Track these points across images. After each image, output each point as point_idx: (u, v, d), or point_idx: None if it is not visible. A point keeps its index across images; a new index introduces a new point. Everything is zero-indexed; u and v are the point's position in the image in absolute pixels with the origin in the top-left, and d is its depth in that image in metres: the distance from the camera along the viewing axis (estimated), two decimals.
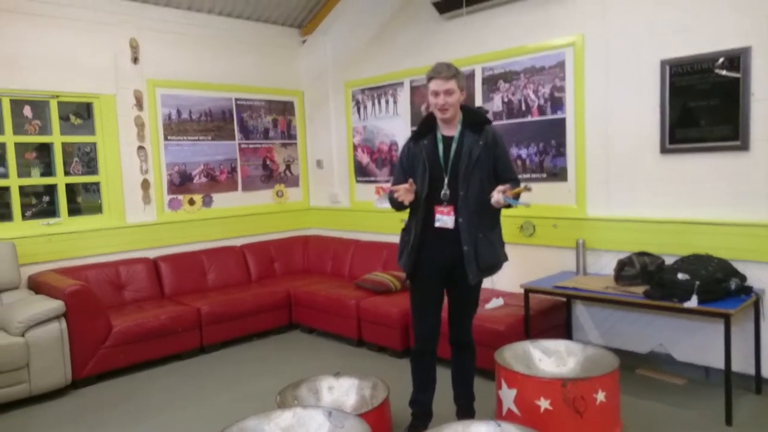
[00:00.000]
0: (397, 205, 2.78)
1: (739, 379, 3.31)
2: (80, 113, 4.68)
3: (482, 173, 2.67)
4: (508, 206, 2.59)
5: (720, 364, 3.21)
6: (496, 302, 3.94)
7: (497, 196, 2.53)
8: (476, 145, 2.67)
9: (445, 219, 2.68)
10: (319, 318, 4.75)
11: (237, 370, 4.08)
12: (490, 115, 3.13)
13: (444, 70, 2.63)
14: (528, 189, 2.53)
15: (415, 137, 2.80)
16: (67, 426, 3.28)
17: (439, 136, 2.76)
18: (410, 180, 2.67)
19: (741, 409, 3.09)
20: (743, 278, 3.16)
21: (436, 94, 2.66)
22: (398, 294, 4.48)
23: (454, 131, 2.75)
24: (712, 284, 3.01)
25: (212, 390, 3.73)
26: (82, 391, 3.79)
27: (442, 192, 2.69)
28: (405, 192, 2.62)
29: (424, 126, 2.80)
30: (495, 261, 2.75)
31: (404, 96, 5.09)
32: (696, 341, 3.52)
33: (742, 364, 3.33)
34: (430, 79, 2.67)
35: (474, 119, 2.75)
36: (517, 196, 2.52)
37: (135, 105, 4.85)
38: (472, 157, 2.66)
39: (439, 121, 2.76)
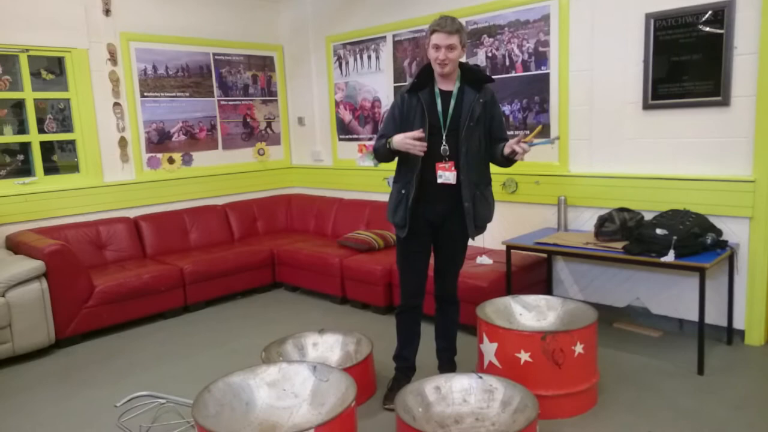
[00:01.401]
0: (386, 157, 2.73)
1: (712, 330, 3.43)
2: (52, 68, 4.53)
3: (480, 131, 2.67)
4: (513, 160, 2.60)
5: (694, 316, 3.31)
6: (484, 259, 3.98)
7: (520, 147, 2.51)
8: (477, 102, 2.65)
9: (447, 175, 2.66)
10: (303, 276, 4.77)
11: (221, 329, 4.11)
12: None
13: (448, 25, 2.56)
14: (541, 125, 2.52)
15: (413, 89, 2.71)
16: (53, 384, 3.30)
17: (437, 90, 2.71)
18: (421, 129, 2.59)
19: (712, 359, 3.21)
20: (719, 233, 3.23)
21: (437, 47, 2.59)
22: (381, 252, 4.50)
23: (452, 86, 2.70)
24: (689, 239, 3.07)
25: (197, 347, 3.76)
26: (67, 350, 3.80)
27: (442, 147, 2.66)
28: (415, 142, 2.54)
29: (421, 78, 2.71)
30: (487, 220, 2.78)
31: (387, 51, 4.99)
32: (671, 295, 3.61)
33: (715, 316, 3.44)
34: (432, 31, 2.60)
35: (474, 76, 2.70)
36: (538, 138, 2.52)
37: (109, 59, 4.70)
38: (473, 115, 2.63)
39: (437, 75, 2.71)
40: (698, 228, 3.13)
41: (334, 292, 4.54)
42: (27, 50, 4.30)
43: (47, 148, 4.54)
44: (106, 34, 4.67)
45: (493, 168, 2.81)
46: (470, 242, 2.88)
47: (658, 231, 3.10)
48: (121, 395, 3.07)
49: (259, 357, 2.97)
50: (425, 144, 2.57)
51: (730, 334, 3.42)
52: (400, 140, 2.59)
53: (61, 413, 2.94)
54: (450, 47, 2.58)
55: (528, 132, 2.56)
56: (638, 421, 2.62)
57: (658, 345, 3.47)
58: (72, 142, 4.64)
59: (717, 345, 3.40)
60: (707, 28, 3.29)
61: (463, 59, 3.01)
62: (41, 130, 4.46)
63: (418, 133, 2.57)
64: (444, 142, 2.67)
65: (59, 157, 4.64)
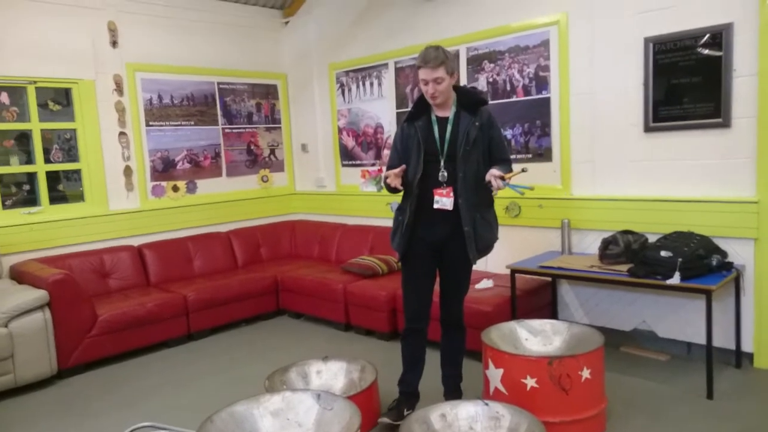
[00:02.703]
0: (392, 188, 2.78)
1: (720, 353, 3.38)
2: (59, 99, 4.59)
3: (478, 154, 2.68)
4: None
5: (701, 339, 3.27)
6: (486, 283, 3.96)
7: (496, 182, 2.51)
8: (473, 126, 2.67)
9: (444, 201, 2.68)
10: (307, 303, 4.75)
11: (225, 357, 4.08)
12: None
13: (431, 59, 2.58)
14: (524, 170, 2.52)
15: (410, 119, 2.79)
16: (56, 415, 3.27)
17: (433, 118, 2.75)
18: (402, 166, 2.67)
19: (722, 383, 3.16)
20: (724, 254, 3.21)
21: (425, 82, 2.64)
22: (385, 277, 4.49)
23: (448, 112, 2.74)
24: (694, 261, 3.05)
25: (201, 376, 3.73)
26: (69, 381, 3.77)
27: (440, 174, 2.68)
28: (394, 177, 2.63)
29: (418, 107, 2.78)
30: (492, 241, 2.78)
31: (389, 77, 5.05)
32: (678, 317, 3.58)
33: (723, 339, 3.40)
34: (419, 67, 2.65)
35: (469, 100, 2.74)
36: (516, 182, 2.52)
37: (115, 90, 4.77)
38: (469, 139, 2.65)
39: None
40: (703, 250, 3.11)
41: (338, 319, 4.51)
42: (34, 82, 4.37)
43: (53, 177, 4.58)
44: (113, 65, 4.75)
45: (498, 191, 2.81)
46: (474, 266, 2.87)
47: (663, 253, 3.09)
48: (123, 426, 3.03)
49: (262, 385, 2.94)
50: (400, 175, 2.63)
51: (739, 357, 3.37)
52: (388, 180, 2.66)
53: None
54: (437, 80, 2.61)
55: (513, 170, 2.58)
56: None
57: (666, 369, 3.42)
58: (77, 172, 4.68)
59: (726, 368, 3.35)
60: (706, 51, 3.32)
61: (462, 82, 3.05)
62: (47, 160, 4.51)
63: (398, 170, 2.64)
64: (442, 168, 2.68)
65: (65, 187, 4.68)
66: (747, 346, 3.37)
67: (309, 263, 5.28)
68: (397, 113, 5.01)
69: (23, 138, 4.45)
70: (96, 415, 3.24)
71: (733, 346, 3.38)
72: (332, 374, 3.10)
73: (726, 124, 3.30)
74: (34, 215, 4.40)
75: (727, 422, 2.75)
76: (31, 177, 4.48)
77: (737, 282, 3.30)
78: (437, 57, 2.58)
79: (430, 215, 2.72)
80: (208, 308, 4.50)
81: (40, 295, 3.62)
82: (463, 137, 2.66)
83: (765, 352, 3.32)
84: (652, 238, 3.41)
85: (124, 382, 3.71)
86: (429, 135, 2.72)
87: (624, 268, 3.29)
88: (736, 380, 3.21)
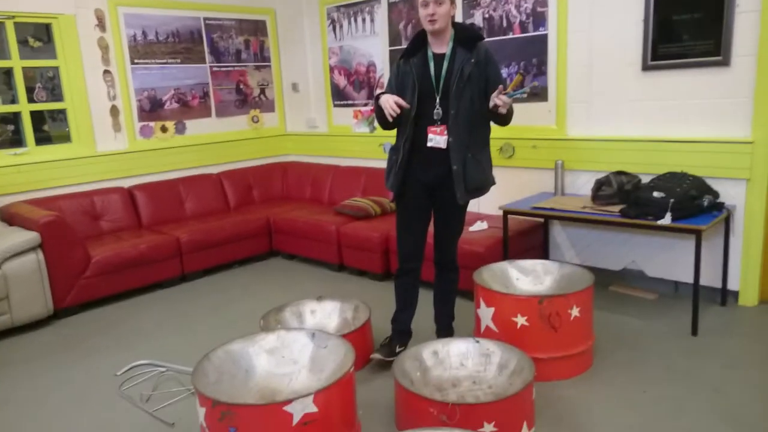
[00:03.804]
0: (384, 122, 2.72)
1: (707, 292, 3.46)
2: (39, 36, 4.42)
3: (473, 92, 2.61)
4: (504, 115, 2.53)
5: (689, 278, 3.33)
6: (480, 225, 3.98)
7: (498, 99, 2.44)
8: (468, 62, 2.60)
9: (437, 139, 2.64)
10: (300, 244, 4.77)
11: (219, 297, 4.12)
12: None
13: None
14: (522, 75, 2.45)
15: (405, 55, 2.72)
16: (53, 354, 3.32)
17: (429, 54, 2.68)
18: (405, 105, 2.58)
19: (707, 320, 3.24)
20: (716, 195, 3.22)
21: (425, 4, 2.56)
22: (378, 219, 4.49)
23: (445, 48, 2.66)
24: (686, 201, 3.06)
25: (196, 316, 3.78)
26: (65, 321, 3.81)
27: (435, 111, 2.63)
28: (392, 103, 2.52)
29: (415, 44, 2.70)
30: (483, 182, 2.73)
31: (382, 14, 4.88)
32: (667, 257, 3.63)
33: (710, 277, 3.46)
34: None
35: (466, 36, 2.66)
36: (516, 88, 2.45)
37: (97, 25, 4.59)
38: (463, 75, 2.59)
39: (430, 38, 2.68)
40: (695, 190, 3.11)
41: (331, 260, 4.54)
42: (13, 16, 4.19)
43: (38, 117, 4.46)
44: None
45: (492, 132, 2.78)
46: (469, 208, 2.86)
47: (655, 194, 3.09)
48: (121, 364, 3.10)
49: (257, 325, 2.99)
50: (396, 109, 2.52)
51: (725, 295, 3.45)
52: (384, 100, 2.55)
53: (61, 383, 2.97)
54: (437, 1, 2.55)
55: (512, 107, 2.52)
56: (633, 381, 2.66)
57: (654, 307, 3.50)
58: (63, 112, 4.56)
59: (711, 306, 3.43)
60: None
61: (458, 19, 2.95)
62: (31, 100, 4.38)
63: (403, 102, 2.54)
64: (438, 106, 2.63)
65: (50, 127, 4.58)
66: (733, 285, 3.44)
67: (301, 205, 5.27)
68: (390, 51, 4.87)
69: (5, 76, 4.31)
70: (93, 353, 3.29)
71: (719, 285, 3.45)
72: (326, 314, 3.15)
73: (725, 62, 3.23)
74: (20, 156, 4.32)
75: (710, 357, 2.84)
76: (16, 117, 4.37)
77: (727, 222, 3.33)
78: None
79: (424, 155, 2.69)
80: (202, 250, 4.51)
81: (31, 236, 3.61)
82: (457, 73, 2.59)
83: (750, 290, 3.39)
84: (645, 179, 3.40)
85: (120, 322, 3.76)
86: (425, 72, 2.66)
87: (616, 209, 3.30)
88: (721, 317, 3.29)
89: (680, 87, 3.43)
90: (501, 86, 2.46)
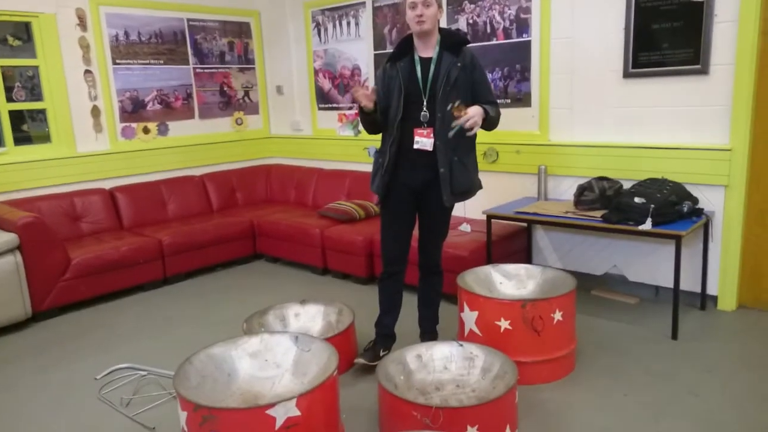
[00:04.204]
0: (368, 126, 2.74)
1: (687, 296, 3.51)
2: (19, 34, 4.35)
3: (459, 96, 2.63)
4: (488, 122, 2.59)
5: (669, 283, 3.37)
6: (465, 227, 4.00)
7: (467, 126, 2.49)
8: (454, 66, 2.62)
9: (424, 141, 2.66)
10: (284, 247, 4.75)
11: (202, 300, 4.09)
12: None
13: None
14: (459, 104, 2.49)
15: (392, 59, 2.73)
16: (32, 357, 3.26)
17: (416, 58, 2.70)
18: (373, 88, 2.62)
19: (686, 324, 3.29)
20: (696, 201, 3.27)
21: (413, 5, 2.59)
22: (362, 222, 4.49)
23: (431, 53, 2.68)
24: (666, 207, 3.10)
25: (178, 320, 3.74)
26: (44, 324, 3.75)
27: (421, 114, 2.65)
28: (363, 96, 2.56)
29: (402, 48, 2.72)
30: (469, 186, 2.76)
31: (366, 17, 4.89)
32: (648, 262, 3.68)
33: (690, 282, 3.51)
34: None
35: (452, 41, 2.69)
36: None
37: (78, 25, 4.53)
38: (449, 79, 2.61)
39: (416, 42, 2.70)
40: (675, 196, 3.16)
41: (315, 263, 4.53)
42: None
43: (17, 117, 4.39)
44: None
45: (477, 137, 2.79)
46: (455, 212, 2.88)
47: (636, 199, 3.13)
48: (101, 368, 3.05)
49: (240, 328, 2.96)
50: (371, 96, 2.56)
51: (704, 300, 3.50)
52: (358, 91, 2.58)
53: (40, 386, 2.92)
54: (425, 3, 2.58)
55: (499, 112, 2.59)
56: (614, 384, 2.69)
57: (635, 311, 3.55)
58: (43, 112, 4.49)
59: (691, 310, 3.49)
60: None
61: (444, 25, 2.98)
62: (9, 99, 4.31)
63: (369, 91, 2.58)
64: (424, 109, 2.65)
65: (30, 127, 4.50)
66: (712, 289, 3.49)
67: (285, 208, 5.25)
68: (375, 55, 4.88)
69: None
70: (72, 357, 3.24)
71: (698, 289, 3.51)
72: (310, 317, 3.14)
73: (704, 71, 3.29)
74: None
75: (690, 361, 2.88)
76: None
77: (706, 228, 3.39)
78: None
79: (411, 158, 2.70)
80: (184, 252, 4.47)
81: (9, 238, 3.54)
82: (443, 77, 2.61)
83: (729, 294, 3.45)
84: (627, 185, 3.45)
85: (100, 325, 3.70)
86: (412, 75, 2.67)
87: (598, 214, 3.34)
88: (701, 322, 3.34)
89: (660, 94, 3.48)
90: (452, 127, 2.52)
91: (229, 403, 2.18)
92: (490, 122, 2.66)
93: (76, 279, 3.89)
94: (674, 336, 3.13)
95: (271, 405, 1.87)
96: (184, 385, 2.07)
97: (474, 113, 2.50)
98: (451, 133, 2.56)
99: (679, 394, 2.58)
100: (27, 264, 3.65)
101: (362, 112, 2.67)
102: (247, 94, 5.78)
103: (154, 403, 2.68)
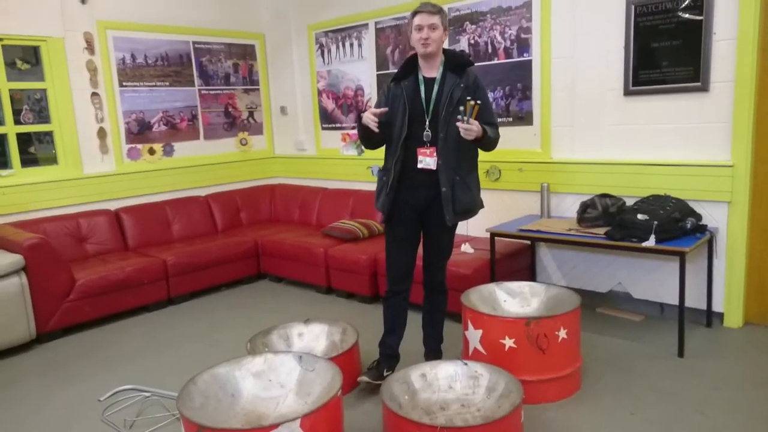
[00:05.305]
0: (367, 141, 2.77)
1: (692, 313, 3.48)
2: (27, 58, 4.42)
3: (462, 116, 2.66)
4: (481, 136, 2.59)
5: (674, 300, 3.36)
6: (466, 248, 3.99)
7: (465, 128, 2.51)
8: (457, 87, 2.66)
9: (427, 160, 2.69)
10: (288, 267, 4.75)
11: (206, 320, 4.08)
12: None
13: (429, 6, 2.66)
14: (477, 103, 2.52)
15: (396, 79, 2.78)
16: (35, 379, 3.26)
17: (420, 78, 2.74)
18: (382, 109, 2.65)
19: (692, 342, 3.26)
20: (699, 217, 3.27)
21: (419, 28, 2.64)
22: (366, 241, 4.50)
23: (435, 73, 2.73)
24: (669, 224, 3.10)
25: (182, 340, 3.74)
26: (48, 345, 3.75)
27: (425, 133, 2.69)
28: (371, 118, 2.59)
29: (405, 68, 2.77)
30: (471, 205, 2.78)
31: (369, 38, 4.95)
32: (653, 279, 3.66)
33: (695, 299, 3.49)
34: (415, 14, 2.67)
35: (456, 62, 2.74)
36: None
37: (86, 48, 4.61)
38: (452, 99, 2.65)
39: (421, 62, 2.75)
40: (678, 213, 3.16)
41: (319, 282, 4.53)
42: (1, 39, 4.20)
43: (24, 139, 4.44)
44: (83, 22, 4.57)
45: (479, 155, 2.82)
46: (458, 230, 2.89)
47: (640, 216, 3.13)
48: (105, 389, 3.05)
49: (244, 348, 2.96)
50: (375, 120, 2.60)
51: (710, 317, 3.48)
52: (364, 117, 2.63)
53: (43, 409, 2.91)
54: (432, 26, 2.63)
55: (499, 135, 2.63)
56: (621, 403, 2.66)
57: (640, 329, 3.52)
58: (50, 134, 4.55)
59: (697, 328, 3.46)
60: (686, 15, 3.31)
61: (446, 45, 3.02)
62: (17, 122, 4.37)
63: (381, 110, 2.62)
64: (427, 128, 2.68)
65: (37, 149, 4.56)
66: (718, 306, 3.47)
67: (289, 227, 5.26)
68: (378, 75, 4.94)
69: None
70: (77, 378, 3.24)
71: (704, 306, 3.49)
72: (314, 336, 3.14)
73: (704, 88, 3.32)
74: (5, 178, 4.29)
75: (696, 378, 2.86)
76: (2, 138, 4.34)
77: (710, 244, 3.38)
78: (435, 5, 2.66)
79: (414, 177, 2.73)
80: (188, 272, 4.48)
81: (15, 259, 3.56)
82: (447, 97, 2.65)
83: (734, 311, 3.43)
84: (629, 202, 3.45)
85: (104, 346, 3.70)
86: (416, 95, 2.72)
87: (601, 231, 3.34)
88: (707, 339, 3.32)
89: (661, 112, 3.50)
90: (459, 116, 2.53)
91: (233, 424, 2.17)
92: (487, 142, 2.69)
93: (81, 300, 3.90)
94: (680, 353, 3.11)
95: (275, 425, 1.86)
96: (187, 406, 2.07)
97: (475, 127, 2.54)
98: (458, 116, 2.55)
99: (686, 412, 2.55)
100: (32, 285, 3.66)
101: (363, 128, 2.69)
102: (251, 114, 5.84)
103: (157, 424, 2.67)
